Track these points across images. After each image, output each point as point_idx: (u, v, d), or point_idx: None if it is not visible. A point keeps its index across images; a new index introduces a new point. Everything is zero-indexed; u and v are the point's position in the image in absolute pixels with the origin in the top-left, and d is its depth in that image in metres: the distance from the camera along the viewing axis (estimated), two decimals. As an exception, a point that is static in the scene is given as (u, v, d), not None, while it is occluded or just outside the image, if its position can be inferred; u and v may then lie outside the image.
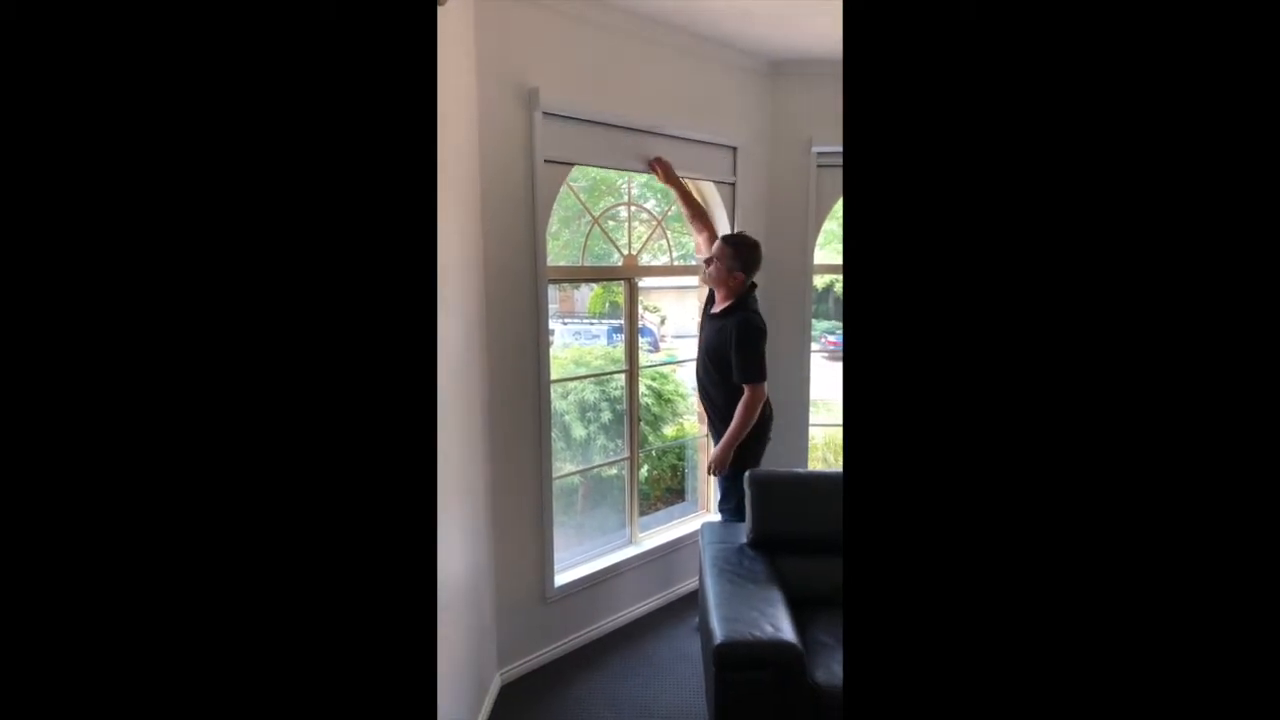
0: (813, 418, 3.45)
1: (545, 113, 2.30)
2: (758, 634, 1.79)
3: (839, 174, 3.26)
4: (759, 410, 2.55)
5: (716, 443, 2.64)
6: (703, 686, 2.38)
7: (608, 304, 4.82)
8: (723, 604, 1.96)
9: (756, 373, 2.51)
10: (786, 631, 1.81)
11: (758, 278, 2.66)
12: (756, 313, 2.58)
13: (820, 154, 3.21)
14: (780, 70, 3.13)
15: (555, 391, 2.63)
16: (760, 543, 2.32)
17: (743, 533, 2.43)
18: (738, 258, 2.55)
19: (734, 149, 3.01)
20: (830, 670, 1.83)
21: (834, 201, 3.30)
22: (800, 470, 2.49)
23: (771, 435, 2.70)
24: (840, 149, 3.19)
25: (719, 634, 1.80)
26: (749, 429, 2.55)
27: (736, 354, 2.51)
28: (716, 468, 2.60)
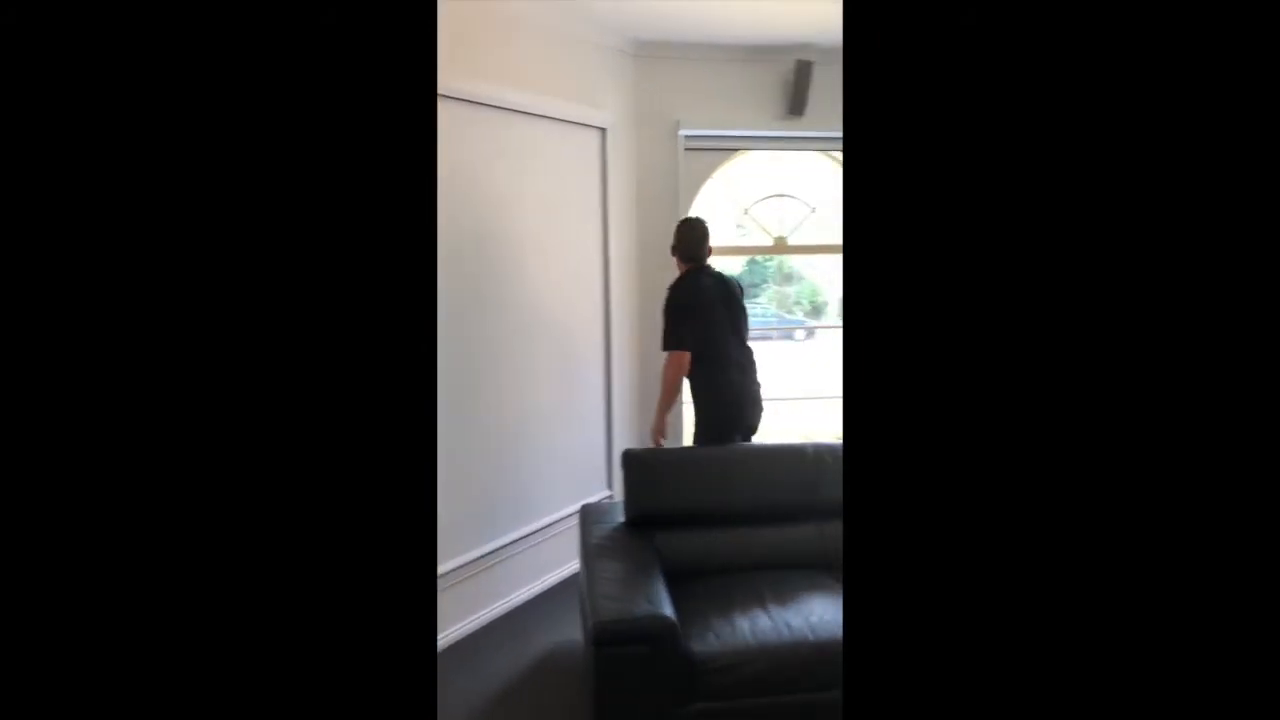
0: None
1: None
2: (634, 610, 1.82)
3: (707, 156, 3.33)
4: (678, 379, 2.57)
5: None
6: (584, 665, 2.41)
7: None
8: (601, 583, 1.97)
9: (665, 340, 2.56)
10: (661, 605, 1.86)
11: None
12: (680, 286, 2.60)
13: (688, 137, 3.26)
14: (647, 51, 3.15)
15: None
16: (638, 521, 2.36)
17: (620, 512, 2.46)
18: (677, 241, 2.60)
19: (603, 130, 3.00)
20: (705, 640, 1.89)
21: (701, 183, 3.37)
22: (676, 448, 2.54)
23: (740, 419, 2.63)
24: (708, 132, 3.26)
25: (597, 612, 1.82)
26: (674, 396, 2.61)
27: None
28: (653, 435, 2.67)
